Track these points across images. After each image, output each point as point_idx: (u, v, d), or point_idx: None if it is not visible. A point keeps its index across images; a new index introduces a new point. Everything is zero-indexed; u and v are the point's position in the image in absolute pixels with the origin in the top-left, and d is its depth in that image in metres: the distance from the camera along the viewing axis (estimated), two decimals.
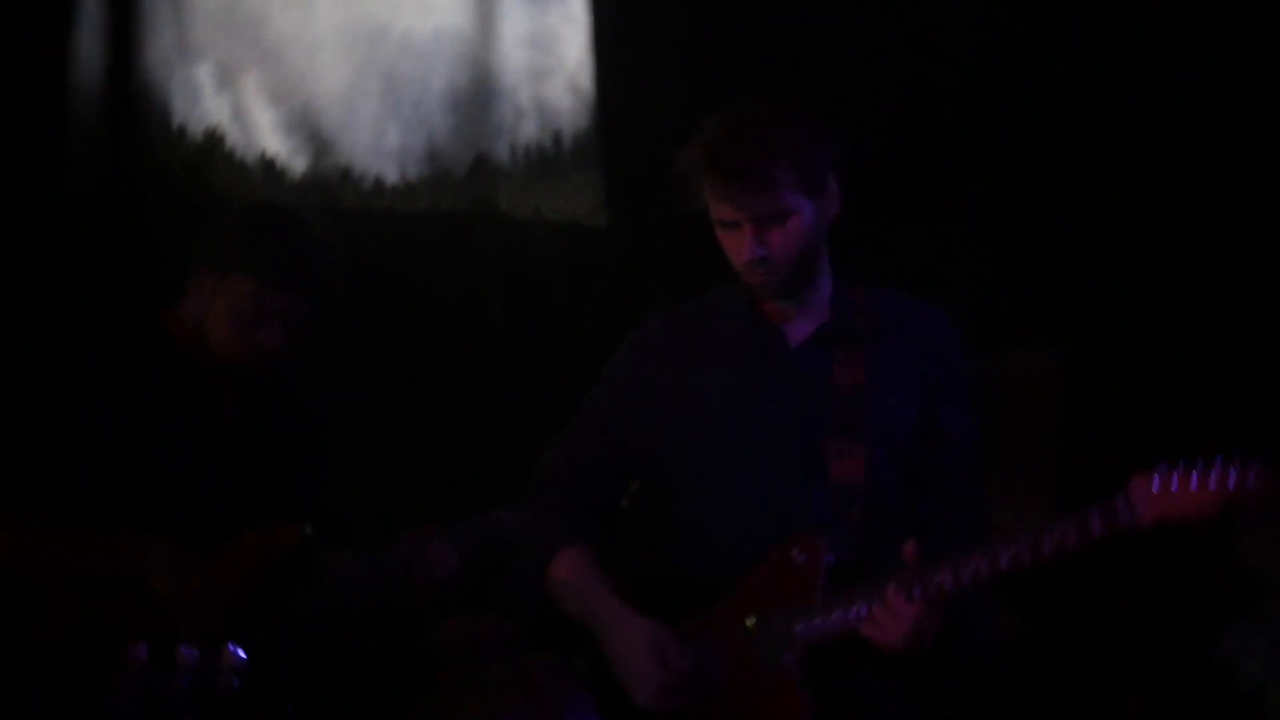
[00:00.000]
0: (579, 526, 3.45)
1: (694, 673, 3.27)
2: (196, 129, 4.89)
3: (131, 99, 4.83)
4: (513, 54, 5.00)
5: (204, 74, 4.89)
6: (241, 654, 2.75)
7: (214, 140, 4.89)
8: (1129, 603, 4.63)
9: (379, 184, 4.96)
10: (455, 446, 4.83)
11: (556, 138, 5.05)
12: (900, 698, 3.28)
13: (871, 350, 3.35)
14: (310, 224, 3.72)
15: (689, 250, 5.06)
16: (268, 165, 4.92)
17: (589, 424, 3.52)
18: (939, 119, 4.91)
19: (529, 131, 5.02)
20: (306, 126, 4.95)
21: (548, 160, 5.05)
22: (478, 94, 5.00)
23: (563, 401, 4.86)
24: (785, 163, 3.25)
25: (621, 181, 5.05)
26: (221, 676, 2.77)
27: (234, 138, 4.90)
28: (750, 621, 3.27)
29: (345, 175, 4.96)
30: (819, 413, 3.32)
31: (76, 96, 4.76)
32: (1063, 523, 3.10)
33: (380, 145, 4.97)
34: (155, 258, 4.46)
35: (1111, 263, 4.88)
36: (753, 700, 3.26)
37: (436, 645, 3.84)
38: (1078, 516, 3.10)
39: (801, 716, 3.22)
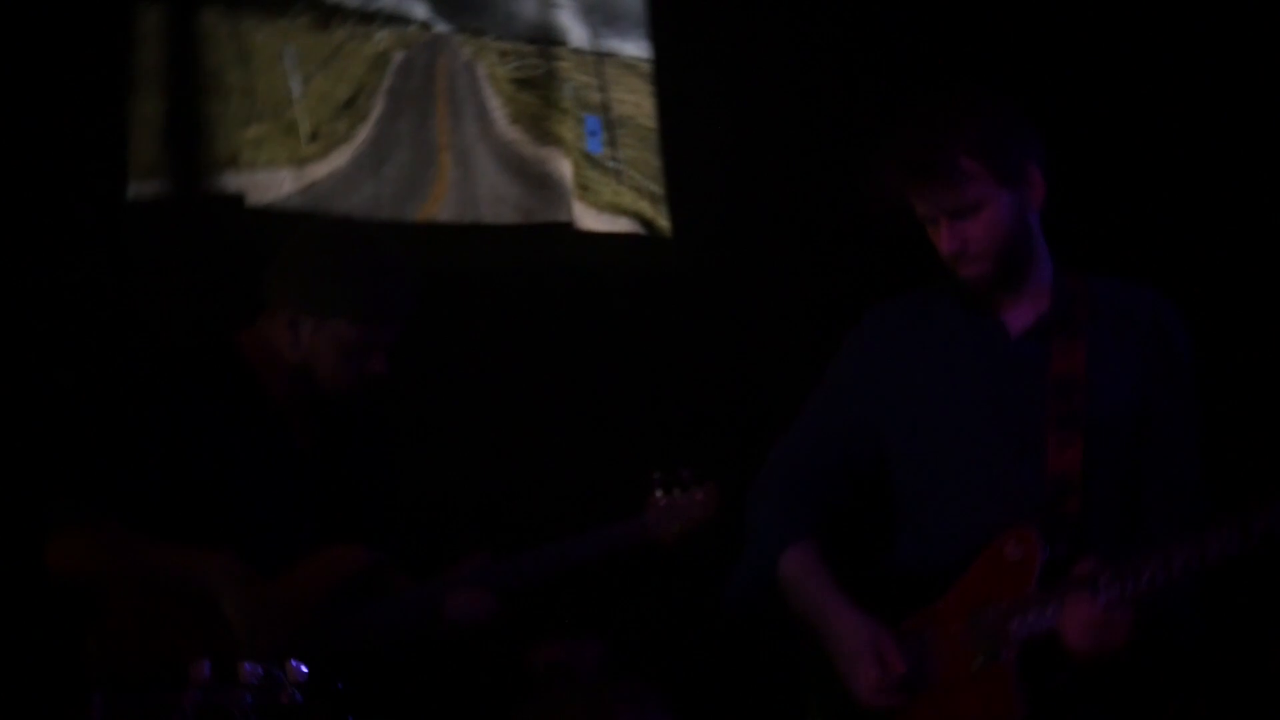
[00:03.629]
0: (805, 523, 3.44)
1: (910, 672, 3.25)
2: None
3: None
4: (577, 63, 5.01)
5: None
6: (304, 669, 2.79)
7: None
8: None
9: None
10: (524, 463, 4.83)
11: (621, 146, 5.07)
12: (1110, 699, 3.23)
13: (1091, 339, 3.32)
14: (383, 243, 3.74)
15: (753, 260, 5.09)
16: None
17: (812, 421, 3.50)
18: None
19: (594, 141, 5.04)
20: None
21: (612, 169, 5.07)
22: (542, 105, 5.02)
23: (629, 413, 4.90)
24: (970, 154, 3.23)
25: (685, 191, 5.06)
26: (284, 691, 2.81)
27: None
28: (967, 619, 3.25)
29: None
30: (1037, 403, 3.29)
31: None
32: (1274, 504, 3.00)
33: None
34: (226, 281, 4.50)
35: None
36: (968, 697, 3.23)
37: (526, 669, 3.82)
38: None
39: (1016, 714, 3.18)
